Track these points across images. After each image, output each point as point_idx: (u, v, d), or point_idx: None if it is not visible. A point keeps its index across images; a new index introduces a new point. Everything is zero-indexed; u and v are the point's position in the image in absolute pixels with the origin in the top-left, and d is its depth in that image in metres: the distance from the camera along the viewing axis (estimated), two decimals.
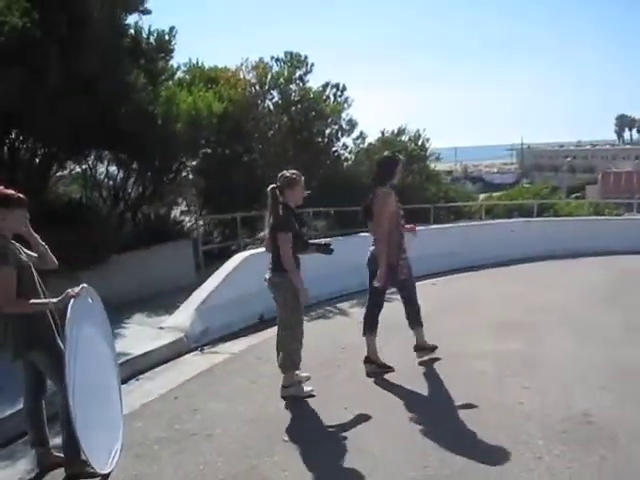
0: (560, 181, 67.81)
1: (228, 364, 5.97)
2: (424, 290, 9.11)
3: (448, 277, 10.35)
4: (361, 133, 14.11)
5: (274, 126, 12.46)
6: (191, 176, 12.51)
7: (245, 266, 7.86)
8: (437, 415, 4.38)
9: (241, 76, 13.09)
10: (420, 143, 14.70)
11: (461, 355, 5.72)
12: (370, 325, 5.38)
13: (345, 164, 14.09)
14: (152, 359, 6.05)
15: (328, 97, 13.85)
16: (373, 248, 5.22)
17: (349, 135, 13.62)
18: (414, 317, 5.48)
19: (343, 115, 13.48)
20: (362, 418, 4.37)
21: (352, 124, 13.46)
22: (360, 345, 5.48)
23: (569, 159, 75.95)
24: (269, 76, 12.28)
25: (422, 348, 5.58)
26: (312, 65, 13.20)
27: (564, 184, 66.41)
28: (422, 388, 4.98)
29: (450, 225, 12.37)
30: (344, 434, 4.12)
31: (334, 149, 13.70)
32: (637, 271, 10.41)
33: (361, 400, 4.72)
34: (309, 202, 13.09)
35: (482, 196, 28.53)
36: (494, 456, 3.65)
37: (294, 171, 4.85)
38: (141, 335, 6.65)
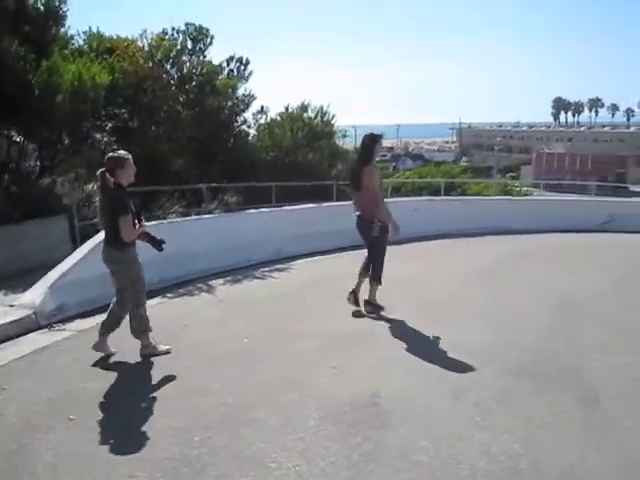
0: (494, 160, 69.71)
1: (67, 341, 5.87)
2: (305, 267, 9.39)
3: (337, 255, 10.31)
4: (262, 108, 14.01)
5: (170, 101, 12.18)
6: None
7: None
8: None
9: (140, 47, 12.75)
10: (324, 119, 14.64)
11: (289, 334, 5.78)
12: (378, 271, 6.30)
13: (248, 139, 13.97)
14: None
15: (232, 71, 13.66)
16: (358, 213, 6.26)
17: (246, 110, 13.46)
18: (375, 273, 6.33)
19: (242, 90, 13.34)
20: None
21: (250, 99, 13.29)
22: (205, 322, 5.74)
23: (499, 139, 77.78)
24: (161, 48, 11.95)
25: (372, 304, 6.40)
26: (212, 37, 12.95)
27: (495, 163, 68.28)
28: (235, 366, 5.02)
29: (347, 203, 12.36)
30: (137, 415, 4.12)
31: (237, 124, 13.54)
32: (527, 250, 10.76)
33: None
34: (211, 176, 12.89)
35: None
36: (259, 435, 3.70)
37: (122, 152, 5.09)
38: None
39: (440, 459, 3.31)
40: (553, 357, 5.07)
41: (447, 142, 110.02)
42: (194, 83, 12.48)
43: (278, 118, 14.43)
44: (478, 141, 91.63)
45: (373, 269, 6.34)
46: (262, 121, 14.15)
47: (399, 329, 5.90)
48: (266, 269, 9.17)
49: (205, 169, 13.37)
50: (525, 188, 20.81)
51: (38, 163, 11.81)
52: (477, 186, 18.90)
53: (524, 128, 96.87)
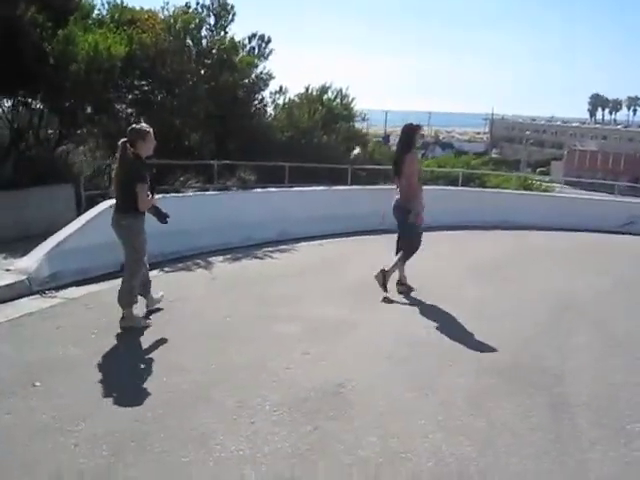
0: (523, 154, 68.45)
1: (54, 308, 5.93)
2: (308, 250, 9.34)
3: (342, 239, 10.26)
4: (281, 88, 13.89)
5: (188, 75, 12.14)
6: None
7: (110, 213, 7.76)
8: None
9: (161, 19, 12.72)
10: (344, 102, 14.46)
11: (273, 317, 5.74)
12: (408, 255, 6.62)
13: (265, 118, 13.90)
14: None
15: (253, 48, 13.55)
16: (398, 197, 6.55)
17: (265, 89, 13.35)
18: (405, 255, 6.61)
19: (261, 68, 13.22)
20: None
21: (268, 77, 13.16)
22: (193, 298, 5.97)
23: (528, 132, 76.41)
24: (180, 21, 11.87)
25: (402, 283, 6.78)
26: (234, 14, 12.85)
27: (524, 157, 67.04)
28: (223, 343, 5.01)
29: (358, 187, 12.28)
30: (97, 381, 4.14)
31: (255, 102, 13.46)
32: (535, 248, 10.57)
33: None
34: (226, 153, 12.68)
35: None
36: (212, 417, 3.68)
37: (144, 124, 5.34)
38: None
39: (386, 456, 3.25)
40: (535, 359, 4.95)
41: (479, 133, 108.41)
42: (212, 58, 12.38)
43: (296, 100, 14.29)
44: (510, 134, 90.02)
45: (404, 251, 6.60)
46: (280, 101, 14.04)
47: (387, 320, 5.83)
48: (269, 249, 9.13)
49: (221, 145, 13.36)
50: (546, 184, 20.31)
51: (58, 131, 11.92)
52: (497, 179, 18.55)
53: (558, 123, 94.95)
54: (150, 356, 4.72)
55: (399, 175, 6.54)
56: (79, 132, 12.00)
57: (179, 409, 3.76)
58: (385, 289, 6.53)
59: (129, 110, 13.04)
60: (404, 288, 6.74)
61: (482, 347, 5.15)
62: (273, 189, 11.18)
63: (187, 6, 13.13)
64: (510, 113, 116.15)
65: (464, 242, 10.59)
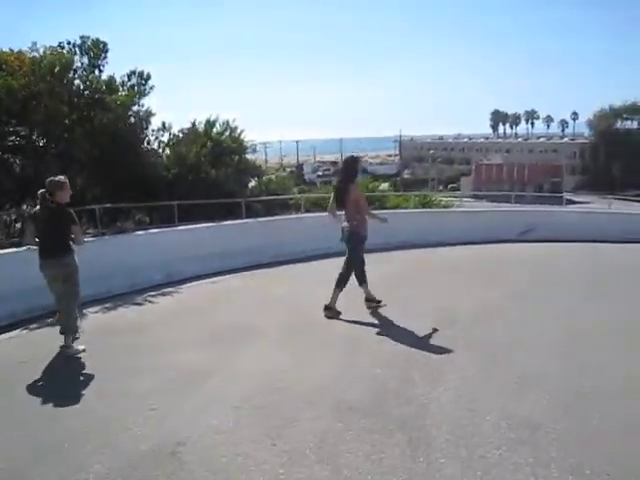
0: (430, 172, 70.71)
1: None
2: (192, 291, 8.86)
3: (233, 275, 9.87)
4: (164, 124, 13.43)
5: (62, 118, 11.50)
6: None
7: None
8: None
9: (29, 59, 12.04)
10: (233, 135, 14.14)
11: (128, 371, 5.30)
12: (362, 278, 7.11)
13: (153, 157, 13.39)
14: None
15: (133, 86, 13.06)
16: (346, 224, 6.90)
17: (147, 127, 12.86)
18: (359, 278, 7.11)
19: (144, 105, 12.75)
20: None
21: (148, 115, 12.70)
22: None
23: (432, 152, 79.26)
24: (48, 62, 11.26)
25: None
26: (107, 51, 12.34)
27: (431, 175, 69.22)
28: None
29: (250, 220, 11.94)
30: None
31: (137, 141, 12.91)
32: (426, 264, 10.51)
33: None
34: (110, 196, 11.91)
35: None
36: None
37: (61, 176, 5.85)
38: None
39: None
40: (403, 388, 4.69)
41: (390, 155, 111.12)
42: (84, 99, 11.80)
43: (181, 135, 13.86)
44: (420, 153, 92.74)
45: (355, 274, 7.03)
46: (164, 138, 13.57)
47: (245, 364, 5.43)
48: (152, 293, 8.68)
49: (105, 189, 12.73)
50: (445, 200, 20.70)
51: None
52: (396, 199, 18.73)
53: (465, 140, 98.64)
54: None
55: (344, 204, 6.84)
56: None
57: None
58: (374, 304, 7.15)
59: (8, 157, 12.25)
60: (332, 313, 6.88)
61: (345, 383, 4.84)
62: (155, 230, 10.70)
63: (60, 46, 12.55)
64: (419, 133, 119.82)
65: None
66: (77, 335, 6.03)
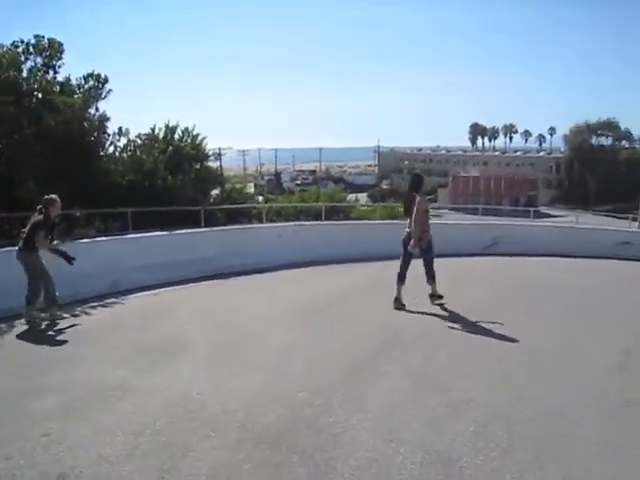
0: (407, 183, 70.49)
1: None
2: (135, 302, 8.51)
3: (179, 287, 9.52)
4: (120, 129, 13.06)
5: (10, 119, 11.09)
6: None
7: None
8: None
9: None
10: (194, 142, 13.82)
11: (33, 390, 4.93)
12: (401, 278, 8.02)
13: (108, 163, 13.00)
14: None
15: (90, 89, 12.69)
16: (408, 230, 7.81)
17: (102, 131, 12.47)
18: (430, 275, 8.04)
19: (101, 109, 12.38)
20: None
21: (103, 119, 12.35)
22: None
23: (407, 162, 79.51)
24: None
25: (434, 295, 8.13)
26: (62, 52, 11.98)
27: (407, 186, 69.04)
28: None
29: (204, 229, 11.62)
30: None
31: (90, 146, 12.51)
32: (378, 280, 10.21)
33: None
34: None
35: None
36: None
37: (53, 195, 7.43)
38: None
39: None
40: (319, 415, 4.39)
41: (370, 165, 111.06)
42: (36, 100, 11.42)
43: (138, 141, 13.50)
44: (399, 165, 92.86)
45: (428, 272, 7.99)
46: (121, 143, 13.19)
47: (164, 383, 5.13)
48: (94, 304, 8.39)
49: (59, 193, 12.30)
50: None
51: None
52: (362, 210, 18.51)
53: (443, 152, 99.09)
54: None
55: (409, 213, 7.78)
56: None
57: None
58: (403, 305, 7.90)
59: None
60: (436, 299, 8.06)
61: (259, 408, 4.55)
62: (103, 238, 10.32)
63: (15, 45, 12.15)
64: (401, 144, 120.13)
65: (307, 280, 10.10)
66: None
